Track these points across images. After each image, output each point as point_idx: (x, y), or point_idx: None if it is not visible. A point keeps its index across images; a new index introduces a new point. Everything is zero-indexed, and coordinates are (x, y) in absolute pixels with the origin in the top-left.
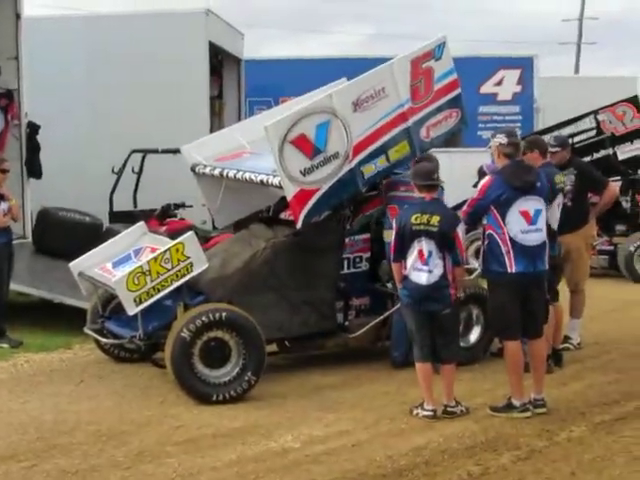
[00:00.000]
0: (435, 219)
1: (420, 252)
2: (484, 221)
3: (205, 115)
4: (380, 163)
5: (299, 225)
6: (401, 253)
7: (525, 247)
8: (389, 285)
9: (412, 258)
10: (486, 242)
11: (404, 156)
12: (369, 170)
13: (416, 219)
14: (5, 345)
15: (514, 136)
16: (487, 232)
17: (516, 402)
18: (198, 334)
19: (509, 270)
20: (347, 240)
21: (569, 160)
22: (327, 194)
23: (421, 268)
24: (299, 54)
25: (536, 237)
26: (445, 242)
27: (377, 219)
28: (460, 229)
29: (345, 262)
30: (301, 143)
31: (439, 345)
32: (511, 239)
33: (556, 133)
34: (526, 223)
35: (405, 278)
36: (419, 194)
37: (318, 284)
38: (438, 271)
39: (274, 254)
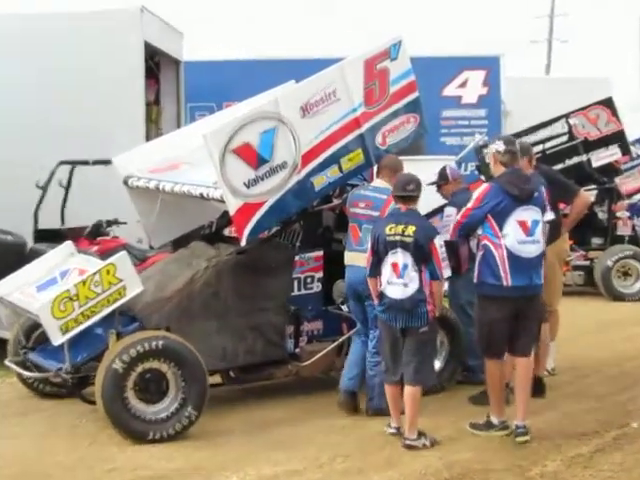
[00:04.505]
0: (410, 229)
1: (394, 265)
2: (479, 231)
3: (140, 122)
4: (332, 173)
5: (243, 242)
6: (376, 268)
7: (522, 259)
8: (344, 308)
9: (386, 271)
10: (480, 253)
11: (358, 165)
12: (320, 181)
13: (390, 229)
14: None
15: (512, 144)
16: (482, 242)
17: (495, 420)
18: (132, 365)
19: (505, 283)
20: (297, 258)
21: (535, 168)
22: (274, 208)
23: (396, 282)
24: (245, 55)
25: (533, 249)
26: (421, 254)
27: (332, 235)
28: (437, 241)
29: (295, 283)
30: (244, 152)
31: (410, 366)
32: (508, 250)
33: (524, 139)
34: (524, 234)
35: (380, 294)
36: (396, 205)
37: (265, 308)
38: (414, 285)
39: (216, 275)
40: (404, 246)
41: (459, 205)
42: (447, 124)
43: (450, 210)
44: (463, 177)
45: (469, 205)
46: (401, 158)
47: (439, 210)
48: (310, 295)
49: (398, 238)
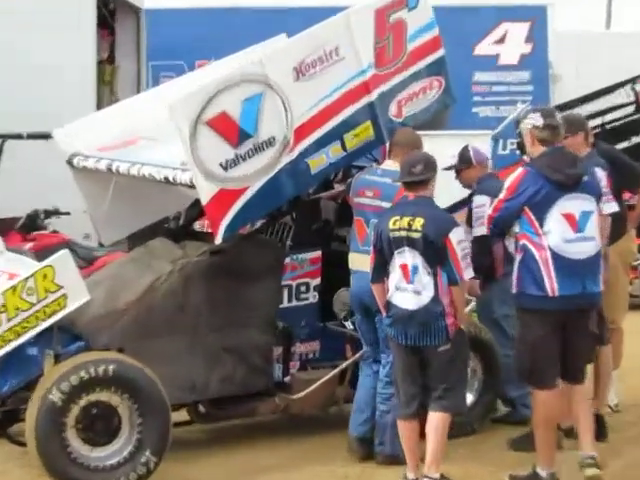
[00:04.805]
0: (418, 222)
1: (403, 267)
2: (516, 229)
3: (90, 85)
4: (333, 153)
5: (219, 240)
6: (381, 272)
7: (570, 261)
8: (348, 324)
9: (394, 276)
10: (519, 256)
11: (366, 142)
12: (318, 162)
13: (394, 223)
14: None
15: (552, 116)
16: (520, 243)
17: (542, 472)
18: (74, 397)
19: (550, 293)
20: (288, 261)
21: (592, 146)
22: (259, 196)
23: (405, 288)
24: (222, 2)
25: (585, 248)
26: (433, 253)
27: (332, 231)
28: (455, 236)
29: (285, 292)
30: (222, 125)
31: (434, 393)
32: (552, 251)
33: (578, 110)
34: (571, 230)
35: (388, 303)
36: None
37: (247, 324)
38: (428, 292)
39: (184, 281)
40: (411, 243)
41: (491, 193)
42: (480, 90)
43: (482, 199)
44: (488, 161)
45: (501, 196)
46: (420, 133)
47: (466, 202)
48: (304, 308)
49: (404, 234)
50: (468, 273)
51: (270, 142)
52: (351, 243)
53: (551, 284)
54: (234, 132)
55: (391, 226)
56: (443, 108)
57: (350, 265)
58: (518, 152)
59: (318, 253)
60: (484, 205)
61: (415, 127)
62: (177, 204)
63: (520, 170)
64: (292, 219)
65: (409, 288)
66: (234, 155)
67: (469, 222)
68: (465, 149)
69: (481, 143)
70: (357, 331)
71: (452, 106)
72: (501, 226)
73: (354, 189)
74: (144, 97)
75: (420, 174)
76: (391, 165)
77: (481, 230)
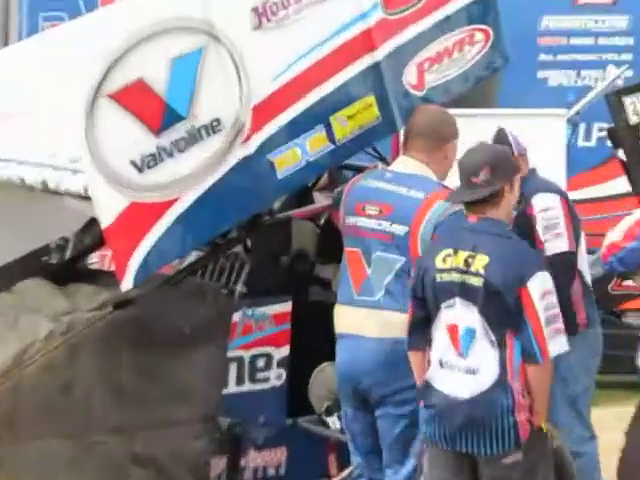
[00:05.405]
0: (480, 261)
1: (451, 330)
2: None
3: None
4: (314, 145)
5: (128, 285)
6: (421, 333)
7: None
8: (333, 421)
9: (438, 343)
10: None
11: (367, 128)
12: (289, 160)
13: (444, 261)
14: None
15: None
16: None
17: None
18: None
19: None
20: (238, 317)
21: None
22: (194, 213)
23: (455, 364)
24: None
25: None
26: (501, 310)
27: (310, 270)
28: (536, 286)
29: (232, 369)
30: (137, 100)
31: None
32: None
33: None
34: None
35: (426, 386)
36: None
37: (170, 420)
38: (490, 372)
39: (70, 350)
40: (467, 293)
41: (556, 191)
42: (551, 45)
43: (548, 198)
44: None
45: (638, 215)
46: (454, 114)
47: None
48: (263, 394)
49: (457, 277)
50: (555, 346)
51: (213, 128)
52: (339, 290)
53: None
54: (156, 111)
55: (439, 264)
56: (491, 73)
57: (337, 326)
58: (609, 144)
59: (287, 306)
60: (553, 208)
61: (445, 104)
62: (62, 226)
63: None
64: (246, 251)
65: (460, 364)
66: (155, 148)
67: (530, 238)
68: (502, 133)
69: (551, 128)
70: (346, 433)
71: (504, 69)
72: (631, 262)
73: (347, 203)
74: (16, 52)
75: (487, 184)
76: (407, 165)
77: (559, 245)
